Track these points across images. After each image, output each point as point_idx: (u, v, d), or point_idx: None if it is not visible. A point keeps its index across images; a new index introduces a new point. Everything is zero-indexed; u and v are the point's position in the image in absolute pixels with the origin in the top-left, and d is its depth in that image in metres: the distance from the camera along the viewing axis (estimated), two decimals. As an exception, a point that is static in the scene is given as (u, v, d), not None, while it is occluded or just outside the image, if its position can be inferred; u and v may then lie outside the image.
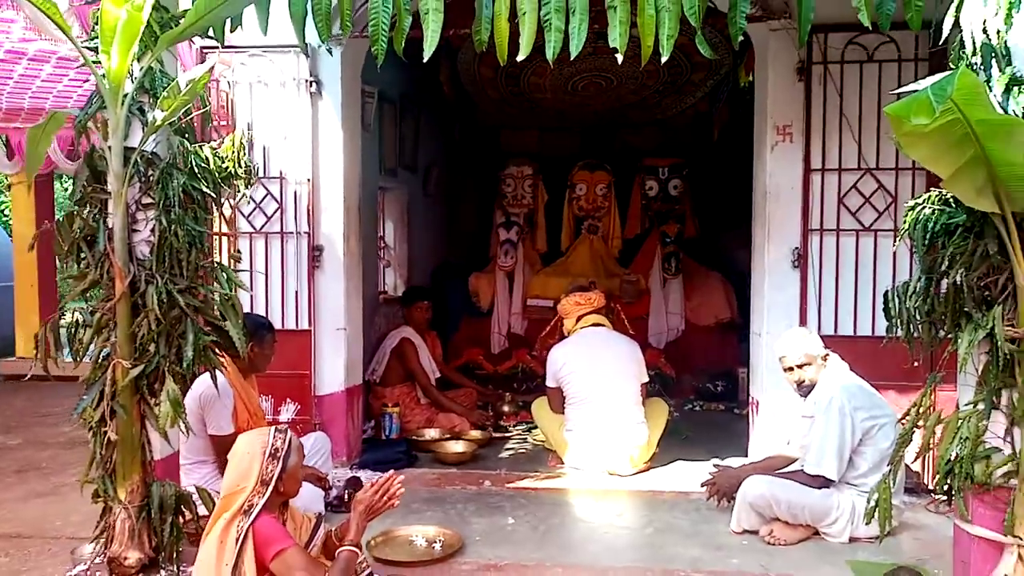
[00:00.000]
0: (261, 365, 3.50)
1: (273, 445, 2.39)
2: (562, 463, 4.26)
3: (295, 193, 4.06)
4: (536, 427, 4.88)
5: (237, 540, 2.25)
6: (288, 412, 3.99)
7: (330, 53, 3.80)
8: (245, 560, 2.25)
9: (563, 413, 4.28)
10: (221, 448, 3.32)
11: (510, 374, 6.19)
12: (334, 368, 4.16)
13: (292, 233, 4.09)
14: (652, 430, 4.23)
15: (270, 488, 2.33)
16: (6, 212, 15.76)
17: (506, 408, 5.28)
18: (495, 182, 7.15)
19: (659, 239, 6.68)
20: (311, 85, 4.01)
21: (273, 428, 2.47)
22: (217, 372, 2.89)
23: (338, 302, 4.16)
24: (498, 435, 4.87)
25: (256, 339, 3.24)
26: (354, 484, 3.56)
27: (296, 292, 4.10)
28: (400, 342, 4.94)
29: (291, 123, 4.03)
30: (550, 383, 4.33)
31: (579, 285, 4.62)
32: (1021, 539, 2.50)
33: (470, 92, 6.56)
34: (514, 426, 5.09)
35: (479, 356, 6.33)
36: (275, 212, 4.08)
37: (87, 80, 4.11)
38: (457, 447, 4.35)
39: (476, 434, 4.68)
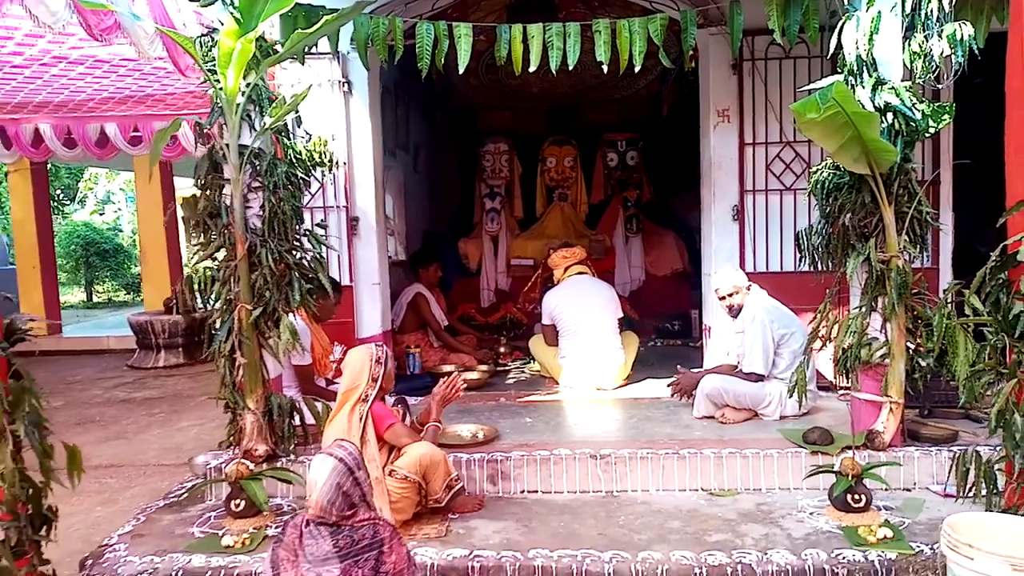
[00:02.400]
0: (327, 315, 4.43)
1: (376, 355, 3.37)
2: (558, 384, 5.31)
3: (334, 174, 4.96)
4: (529, 363, 5.93)
5: (360, 419, 3.25)
6: (337, 352, 4.92)
7: (364, 64, 4.64)
8: (368, 432, 3.25)
9: (556, 345, 5.32)
10: (301, 374, 4.29)
11: (499, 323, 7.22)
12: (371, 316, 5.12)
13: (333, 207, 5.00)
14: (627, 355, 5.31)
15: (378, 384, 3.32)
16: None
17: (502, 349, 6.30)
18: (474, 158, 8.10)
19: (621, 203, 7.76)
20: (344, 85, 4.91)
21: (374, 344, 3.46)
22: (298, 316, 3.83)
23: (372, 262, 5.11)
24: (500, 370, 5.88)
25: (335, 293, 4.19)
26: (403, 403, 4.53)
27: (338, 255, 5.02)
28: (415, 296, 5.91)
29: (329, 116, 4.90)
30: (545, 321, 5.37)
31: (564, 243, 5.65)
32: (892, 397, 3.65)
33: (453, 81, 7.43)
34: (512, 363, 6.11)
35: (472, 310, 7.33)
36: (318, 190, 4.96)
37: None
38: (472, 375, 5.33)
39: (484, 367, 5.68)
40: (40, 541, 2.65)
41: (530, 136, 8.16)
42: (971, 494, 2.92)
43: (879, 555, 2.97)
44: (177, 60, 4.50)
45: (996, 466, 2.83)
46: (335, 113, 4.92)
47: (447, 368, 5.56)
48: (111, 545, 3.32)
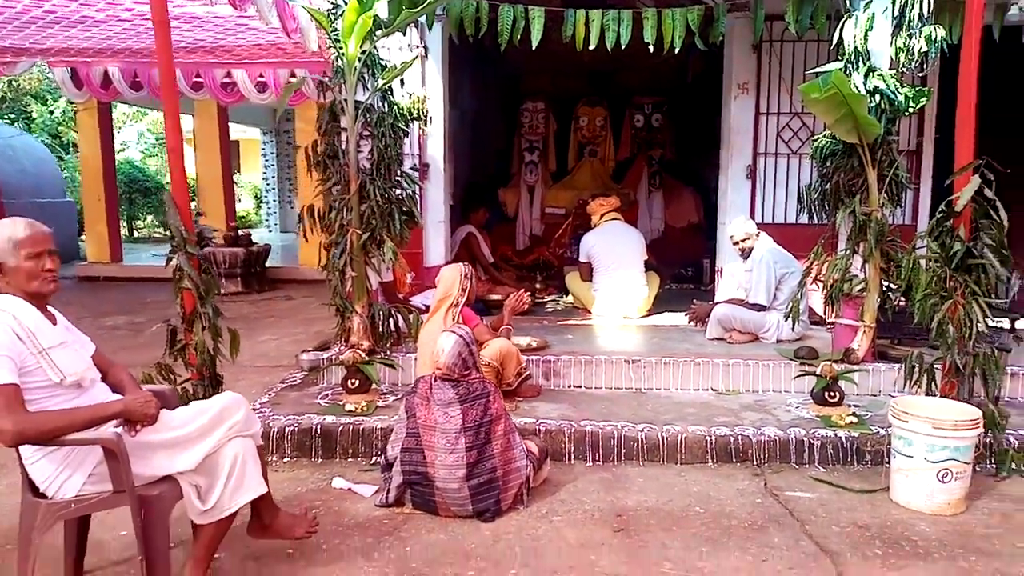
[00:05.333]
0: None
1: (464, 272, 4.32)
2: (590, 313, 6.28)
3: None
4: (563, 296, 6.89)
5: (454, 319, 4.21)
6: (409, 277, 5.87)
7: (454, 37, 5.34)
8: (459, 329, 4.21)
9: (591, 280, 6.28)
10: (385, 289, 5.24)
11: (533, 264, 8.14)
12: (436, 247, 6.07)
13: (408, 154, 5.89)
14: (651, 290, 6.26)
15: (466, 294, 4.27)
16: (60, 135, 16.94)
17: (538, 285, 7.24)
18: (514, 116, 8.94)
19: (645, 161, 8.63)
20: (423, 50, 5.76)
21: (461, 263, 4.41)
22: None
23: (439, 202, 6.03)
24: (537, 301, 6.83)
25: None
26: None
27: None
28: (467, 235, 6.84)
29: (409, 77, 5.76)
30: (582, 258, 6.31)
31: (602, 192, 6.56)
32: (866, 322, 4.61)
33: (506, 49, 8.20)
34: (548, 297, 7.06)
35: (509, 251, 8.26)
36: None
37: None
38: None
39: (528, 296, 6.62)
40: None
41: (566, 97, 8.98)
42: (916, 385, 3.86)
43: (846, 434, 3.95)
44: (286, 24, 5.37)
45: (935, 364, 3.79)
46: (414, 74, 5.78)
47: (495, 296, 6.51)
48: (256, 409, 4.31)
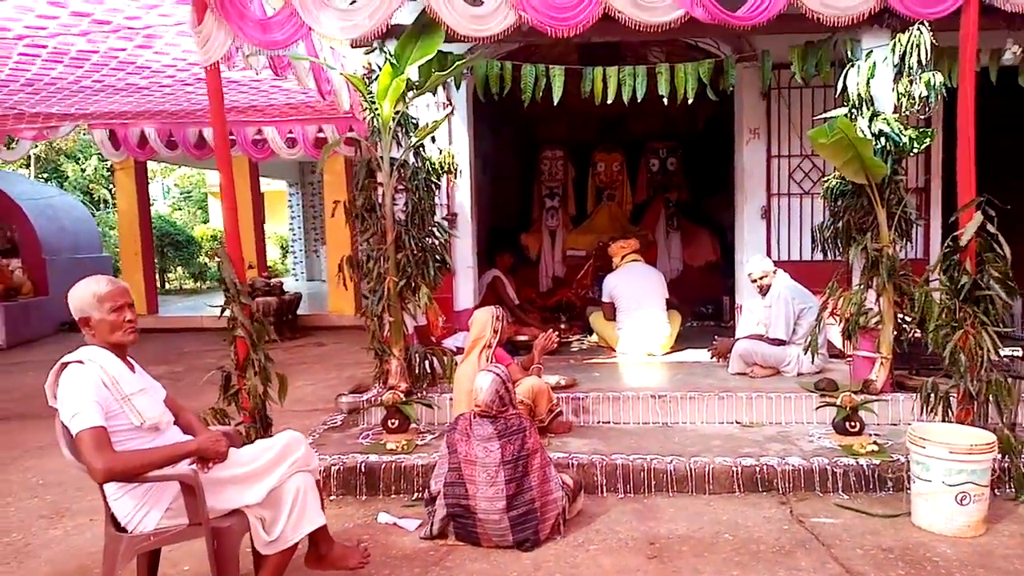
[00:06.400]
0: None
1: (496, 315, 4.56)
2: (614, 351, 6.48)
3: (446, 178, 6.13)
4: (588, 335, 7.11)
5: (487, 359, 4.44)
6: (440, 321, 6.12)
7: (481, 96, 5.67)
8: (492, 369, 4.44)
9: (614, 319, 6.50)
10: (419, 332, 5.48)
11: (556, 306, 8.38)
12: (466, 292, 6.32)
13: (438, 204, 6.19)
14: (672, 328, 6.46)
15: (498, 335, 4.51)
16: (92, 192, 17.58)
17: (563, 326, 7.47)
18: (531, 163, 9.28)
19: (662, 203, 8.91)
20: (448, 107, 6.10)
21: (493, 306, 4.65)
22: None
23: (467, 250, 6.30)
24: (563, 341, 7.05)
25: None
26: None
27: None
28: (493, 279, 7.11)
29: (437, 132, 6.07)
30: (605, 299, 6.54)
31: (622, 235, 6.82)
32: (882, 354, 4.78)
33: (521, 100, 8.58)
34: (572, 337, 7.28)
35: (532, 294, 8.51)
36: (432, 191, 6.14)
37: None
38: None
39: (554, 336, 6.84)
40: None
41: (581, 144, 9.32)
42: (933, 412, 4.02)
43: (867, 462, 4.11)
44: (321, 87, 5.74)
45: (950, 392, 3.95)
46: (441, 129, 6.10)
47: (522, 337, 6.74)
48: (302, 450, 4.54)
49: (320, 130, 8.77)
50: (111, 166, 18.71)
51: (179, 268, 17.42)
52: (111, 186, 19.70)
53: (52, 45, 5.14)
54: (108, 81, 6.39)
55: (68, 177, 18.85)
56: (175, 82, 6.65)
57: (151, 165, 20.27)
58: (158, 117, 8.80)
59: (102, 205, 19.66)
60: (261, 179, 12.97)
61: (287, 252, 18.78)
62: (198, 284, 17.64)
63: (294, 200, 17.06)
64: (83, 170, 19.22)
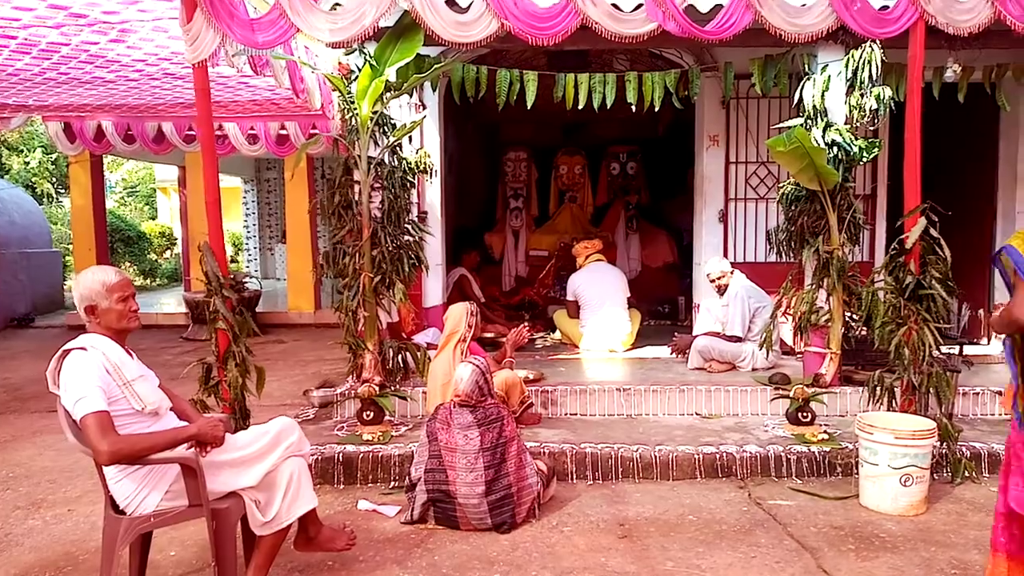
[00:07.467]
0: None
1: (470, 310, 4.73)
2: (577, 348, 6.70)
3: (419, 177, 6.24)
4: (551, 332, 7.31)
5: (461, 353, 4.60)
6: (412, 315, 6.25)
7: (456, 99, 5.82)
8: (467, 362, 4.60)
9: (578, 317, 6.72)
10: (391, 328, 5.61)
11: (519, 304, 8.58)
12: (434, 289, 6.47)
13: (412, 203, 6.31)
14: (633, 326, 6.71)
15: (472, 330, 4.68)
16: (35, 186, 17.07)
17: (526, 323, 7.62)
18: (496, 164, 9.46)
19: (622, 206, 9.18)
20: (421, 107, 6.23)
21: (467, 302, 4.82)
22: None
23: (436, 247, 6.43)
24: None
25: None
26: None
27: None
28: (460, 277, 7.27)
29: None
30: (570, 297, 6.76)
31: (585, 237, 7.05)
32: (832, 350, 5.10)
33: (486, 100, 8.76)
34: (536, 334, 7.47)
35: (496, 292, 8.68)
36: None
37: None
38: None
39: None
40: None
41: (545, 146, 9.54)
42: (879, 403, 4.33)
43: (819, 449, 4.39)
44: (295, 84, 5.81)
45: (894, 384, 4.27)
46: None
47: (487, 334, 6.90)
48: (279, 441, 4.62)
49: (283, 127, 8.78)
50: (56, 159, 18.32)
51: (129, 265, 17.08)
52: (54, 180, 19.23)
53: (23, 36, 5.12)
54: (74, 74, 6.34)
55: (10, 170, 18.31)
56: (143, 76, 6.62)
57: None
58: (117, 111, 8.70)
59: (46, 199, 19.13)
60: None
61: (240, 249, 18.56)
62: (147, 281, 17.32)
63: (249, 197, 16.88)
64: (27, 163, 18.68)
